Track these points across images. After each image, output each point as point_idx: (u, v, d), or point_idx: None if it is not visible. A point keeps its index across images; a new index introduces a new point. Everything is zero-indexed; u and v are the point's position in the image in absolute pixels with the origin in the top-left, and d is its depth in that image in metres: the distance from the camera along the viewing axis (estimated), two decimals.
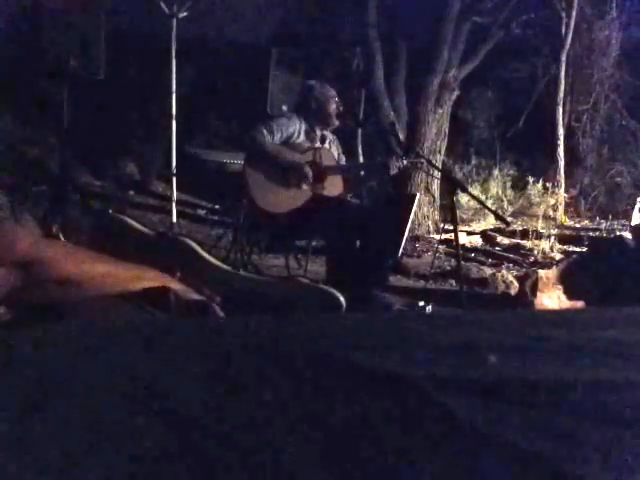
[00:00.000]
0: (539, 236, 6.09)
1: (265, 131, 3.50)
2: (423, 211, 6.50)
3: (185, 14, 5.36)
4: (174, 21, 5.31)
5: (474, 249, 5.99)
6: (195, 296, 1.54)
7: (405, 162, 3.64)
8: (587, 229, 7.26)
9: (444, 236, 5.06)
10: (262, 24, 7.38)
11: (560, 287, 3.92)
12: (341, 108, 3.73)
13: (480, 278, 4.53)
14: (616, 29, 8.37)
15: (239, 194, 3.63)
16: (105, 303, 1.39)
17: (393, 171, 3.57)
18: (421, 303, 3.53)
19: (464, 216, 7.02)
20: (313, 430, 0.54)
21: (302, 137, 3.63)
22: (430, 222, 6.59)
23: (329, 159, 3.70)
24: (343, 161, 3.87)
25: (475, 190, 7.62)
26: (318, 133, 3.70)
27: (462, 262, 3.74)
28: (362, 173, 4.02)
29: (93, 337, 0.85)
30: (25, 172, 5.97)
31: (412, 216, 3.90)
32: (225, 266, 1.99)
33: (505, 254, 5.79)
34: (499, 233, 6.45)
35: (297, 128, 3.62)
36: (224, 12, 6.81)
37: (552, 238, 6.08)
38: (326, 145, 3.72)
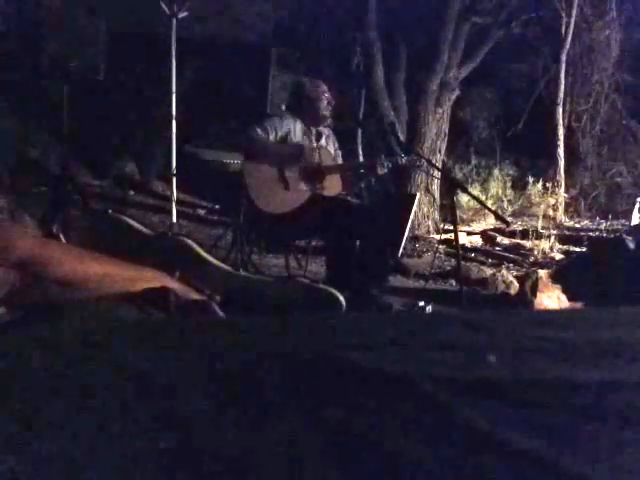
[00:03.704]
0: (539, 236, 6.09)
1: (260, 131, 3.50)
2: (423, 211, 6.51)
3: (185, 14, 5.36)
4: (174, 21, 5.31)
5: (474, 249, 5.99)
6: (195, 296, 1.54)
7: (404, 159, 3.64)
8: (587, 229, 7.26)
9: (444, 236, 5.06)
10: (262, 24, 7.38)
11: (560, 287, 3.92)
12: (333, 103, 3.72)
13: (480, 278, 4.53)
14: (616, 29, 8.38)
15: (239, 194, 3.63)
16: (105, 303, 1.39)
17: (380, 171, 3.57)
18: (421, 303, 3.54)
19: (464, 216, 7.02)
20: (313, 430, 0.54)
21: (298, 136, 3.62)
22: (430, 222, 6.59)
23: (328, 158, 3.70)
24: (339, 157, 3.86)
25: (475, 190, 7.62)
26: (313, 130, 3.69)
27: (462, 262, 3.74)
28: (355, 172, 4.02)
29: (93, 337, 0.85)
30: (25, 172, 5.97)
31: (412, 216, 3.90)
32: (225, 266, 1.99)
33: (505, 254, 5.79)
34: (499, 233, 6.46)
35: (292, 127, 3.61)
36: (224, 12, 6.81)
37: (552, 238, 6.08)
38: (322, 141, 3.71)
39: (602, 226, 7.35)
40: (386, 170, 3.58)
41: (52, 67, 4.44)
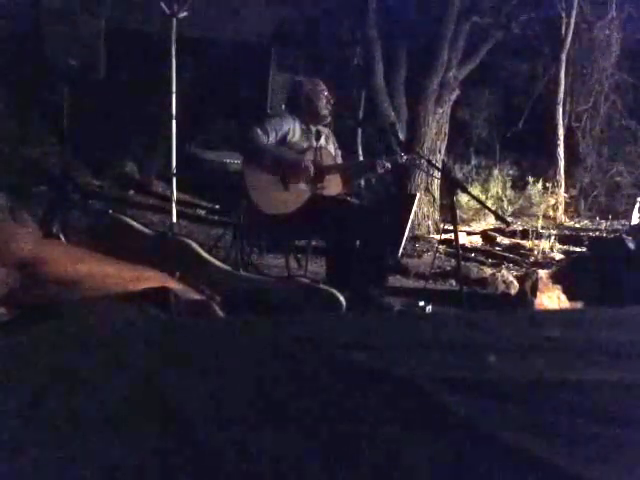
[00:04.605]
0: (539, 236, 6.09)
1: (260, 132, 3.49)
2: (423, 211, 6.50)
3: (185, 14, 5.36)
4: (174, 21, 5.32)
5: (474, 249, 5.99)
6: (195, 296, 1.54)
7: (404, 158, 3.64)
8: (587, 229, 7.25)
9: (444, 236, 5.06)
10: (262, 24, 7.38)
11: (560, 287, 3.92)
12: (332, 102, 3.72)
13: (480, 278, 4.53)
14: (616, 29, 8.37)
15: (239, 194, 3.63)
16: (105, 303, 1.39)
17: (380, 170, 3.57)
18: (421, 303, 3.54)
19: (464, 216, 7.01)
20: (313, 429, 0.54)
21: (297, 135, 3.62)
22: (430, 222, 6.58)
23: (328, 158, 3.70)
24: (339, 157, 3.86)
25: (475, 190, 7.62)
26: (313, 129, 3.68)
27: (462, 262, 3.74)
28: (354, 171, 4.01)
29: (93, 337, 0.85)
30: (25, 172, 5.97)
31: (412, 216, 3.90)
32: (225, 266, 1.99)
33: (505, 254, 5.79)
34: (499, 233, 6.45)
35: (292, 127, 3.60)
36: (224, 12, 6.81)
37: (552, 238, 6.08)
38: (322, 141, 3.71)
39: (602, 226, 7.34)
40: (385, 170, 3.57)
41: (52, 67, 4.43)
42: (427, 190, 6.50)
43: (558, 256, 5.68)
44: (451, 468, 0.48)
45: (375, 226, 3.43)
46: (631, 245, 4.18)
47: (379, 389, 0.63)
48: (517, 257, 5.68)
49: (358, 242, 3.38)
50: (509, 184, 8.06)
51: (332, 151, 3.78)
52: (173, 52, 5.30)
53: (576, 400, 0.61)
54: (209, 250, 2.82)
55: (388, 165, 3.56)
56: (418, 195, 5.46)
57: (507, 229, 6.23)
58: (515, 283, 4.32)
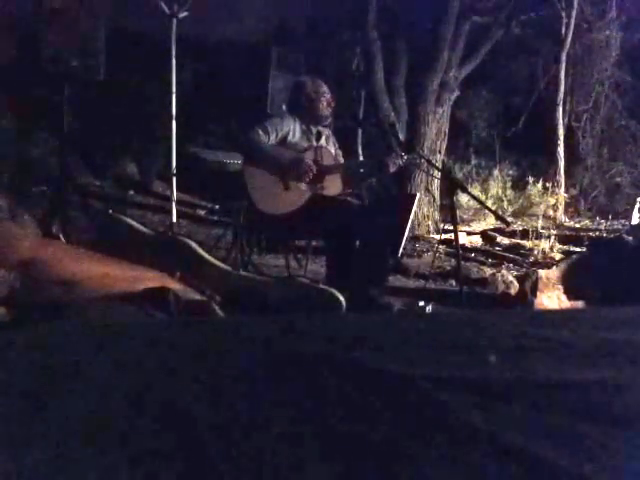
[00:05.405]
0: (539, 236, 6.09)
1: (261, 132, 3.49)
2: (423, 211, 6.50)
3: (185, 14, 5.36)
4: (174, 21, 5.32)
5: (474, 249, 5.99)
6: (195, 296, 1.54)
7: (405, 158, 3.63)
8: (587, 229, 7.25)
9: (444, 236, 5.05)
10: (262, 24, 7.38)
11: (560, 287, 3.92)
12: (333, 103, 3.73)
13: (480, 278, 4.52)
14: (616, 29, 8.37)
15: (239, 194, 3.63)
16: (105, 303, 1.39)
17: (392, 169, 3.56)
18: (421, 303, 3.54)
19: (464, 216, 7.02)
20: (313, 429, 0.54)
21: (298, 135, 3.62)
22: (430, 222, 6.58)
23: (328, 158, 3.70)
24: (340, 157, 3.85)
25: (475, 190, 7.62)
26: (313, 130, 3.68)
27: (462, 262, 3.73)
28: (361, 171, 4.01)
29: (93, 337, 0.86)
30: (25, 172, 5.97)
31: (412, 216, 3.90)
32: (225, 266, 1.99)
33: (505, 254, 5.79)
34: (499, 233, 6.45)
35: (292, 127, 3.60)
36: (224, 12, 6.81)
37: (552, 238, 6.08)
38: (322, 141, 3.71)
39: (602, 226, 7.35)
40: (397, 167, 3.56)
41: (52, 67, 4.43)
42: (427, 190, 6.50)
43: (558, 256, 5.67)
44: (450, 467, 0.48)
45: (375, 226, 3.43)
46: (631, 245, 4.18)
47: (379, 388, 0.63)
48: (517, 257, 5.68)
49: (358, 242, 3.38)
50: (509, 184, 8.06)
51: (332, 151, 3.78)
52: (173, 52, 5.30)
53: (576, 400, 0.61)
54: (209, 250, 2.82)
55: (399, 162, 3.54)
56: (418, 195, 5.46)
57: (507, 229, 6.23)
58: (515, 283, 4.32)
